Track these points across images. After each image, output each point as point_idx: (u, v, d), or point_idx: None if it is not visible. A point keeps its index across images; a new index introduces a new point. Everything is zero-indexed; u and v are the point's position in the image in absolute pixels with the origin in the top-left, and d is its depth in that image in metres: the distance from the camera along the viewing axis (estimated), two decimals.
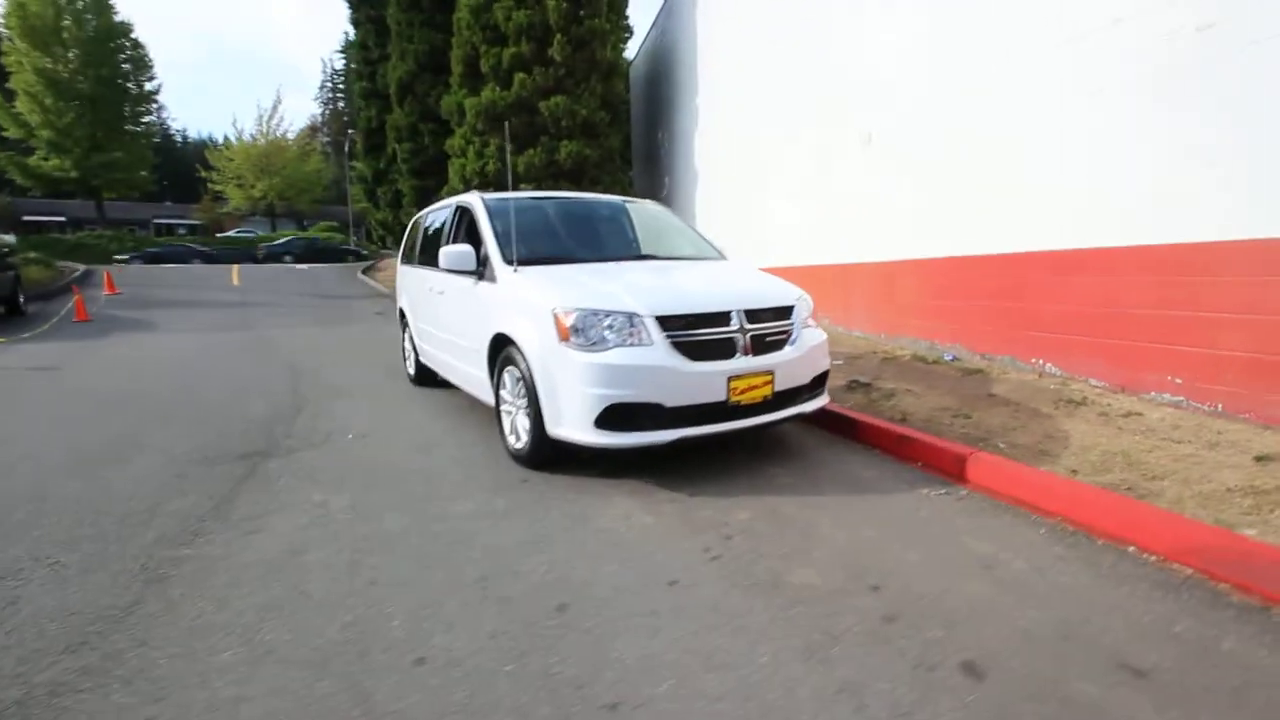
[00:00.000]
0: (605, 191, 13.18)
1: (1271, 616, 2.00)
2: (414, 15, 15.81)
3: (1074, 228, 4.53)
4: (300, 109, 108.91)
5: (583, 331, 3.16)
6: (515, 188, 12.91)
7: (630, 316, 3.17)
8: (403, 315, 6.28)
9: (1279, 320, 3.38)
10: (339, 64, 59.43)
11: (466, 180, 13.12)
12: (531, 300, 3.44)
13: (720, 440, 3.47)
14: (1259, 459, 3.06)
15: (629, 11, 13.40)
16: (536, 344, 3.31)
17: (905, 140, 6.28)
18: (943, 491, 3.10)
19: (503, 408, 3.80)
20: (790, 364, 3.43)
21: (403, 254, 6.42)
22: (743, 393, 3.25)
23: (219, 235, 36.51)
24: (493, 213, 4.23)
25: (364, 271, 21.33)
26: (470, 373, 4.32)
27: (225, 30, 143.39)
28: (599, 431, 3.11)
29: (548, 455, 3.44)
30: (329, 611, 2.16)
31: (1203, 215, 3.72)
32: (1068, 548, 2.50)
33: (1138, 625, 1.98)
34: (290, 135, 37.18)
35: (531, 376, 3.33)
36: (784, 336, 3.51)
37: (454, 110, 13.71)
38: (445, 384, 5.95)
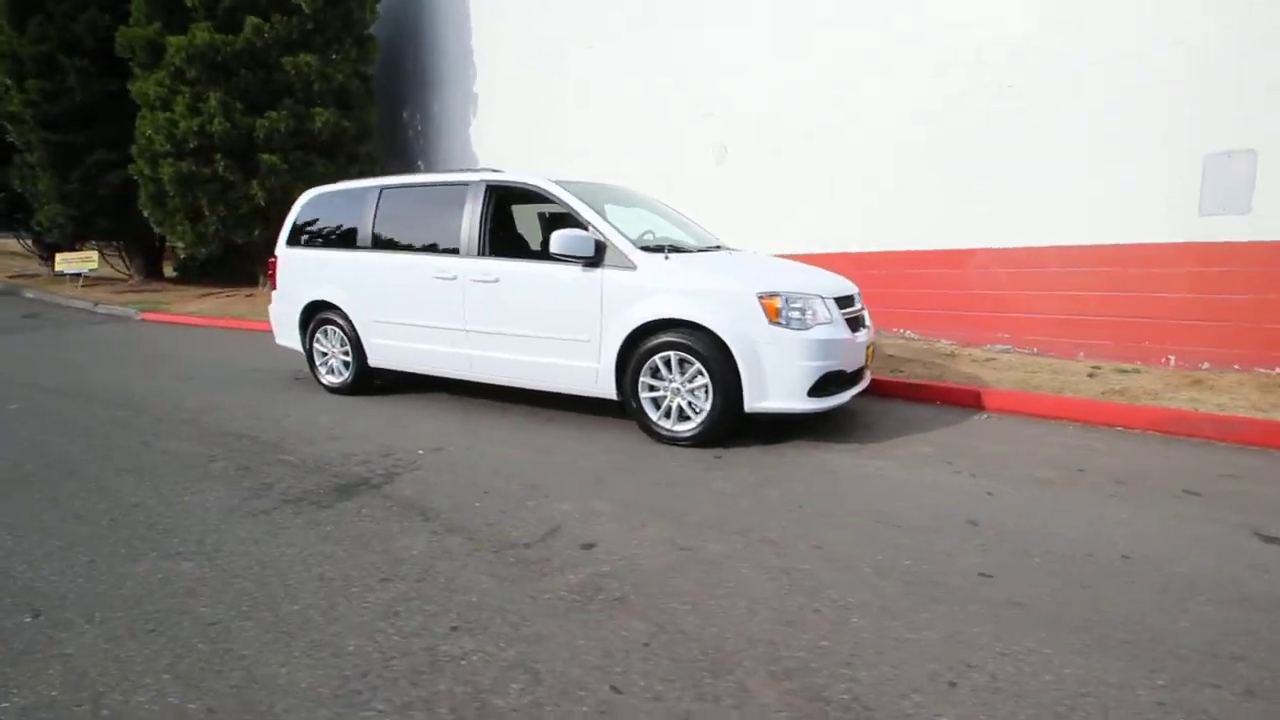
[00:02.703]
0: (362, 171, 11.86)
1: (1216, 445, 3.80)
2: None
3: (927, 235, 6.47)
4: None
5: (787, 313, 3.57)
6: (254, 157, 10.63)
7: (812, 298, 3.70)
8: (315, 311, 5.16)
9: (1069, 294, 5.68)
10: None
11: (178, 141, 10.22)
12: (718, 286, 3.67)
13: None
14: (1089, 375, 5.21)
15: None
16: (736, 326, 3.57)
17: (755, 157, 7.68)
18: (984, 417, 4.46)
19: (645, 395, 3.85)
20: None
21: (310, 239, 5.23)
22: (868, 358, 4.08)
23: None
24: (588, 200, 4.10)
25: None
26: (553, 364, 4.14)
27: None
28: (810, 399, 3.59)
29: (727, 430, 3.71)
30: (868, 569, 2.34)
31: (1030, 229, 5.89)
32: (1100, 434, 4.05)
33: (1190, 458, 3.55)
34: None
35: (731, 356, 3.57)
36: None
37: (141, 47, 10.44)
38: (383, 390, 5.14)
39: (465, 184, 4.48)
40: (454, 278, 4.39)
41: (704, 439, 3.71)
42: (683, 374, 3.75)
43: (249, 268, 13.68)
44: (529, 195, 4.25)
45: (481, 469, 3.45)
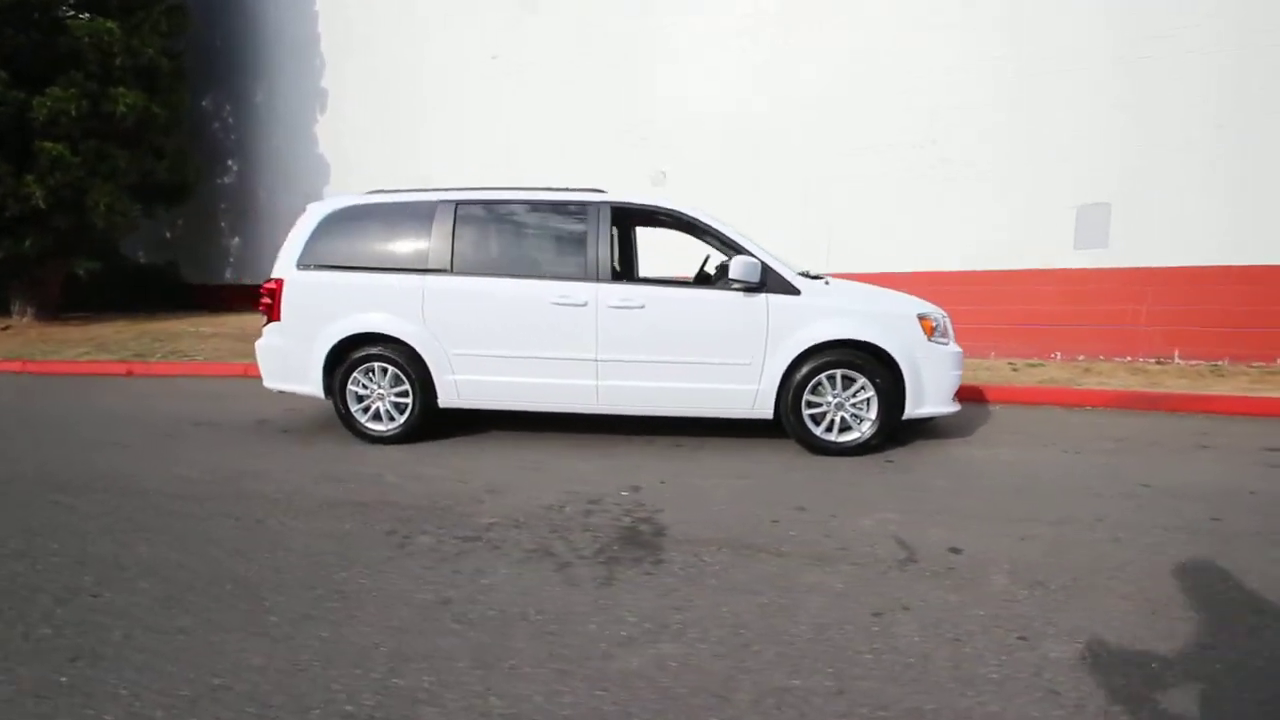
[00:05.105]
0: (173, 166, 9.81)
1: (1161, 414, 5.30)
2: None
3: (869, 259, 7.61)
4: None
5: (937, 331, 4.13)
6: (30, 145, 8.01)
7: (943, 317, 4.32)
8: (353, 346, 4.34)
9: (981, 308, 7.21)
10: None
11: None
12: (885, 309, 4.11)
13: None
14: (1013, 369, 6.70)
15: None
16: (904, 344, 4.02)
17: (696, 186, 8.22)
18: (1000, 407, 5.53)
19: (808, 412, 4.09)
20: None
21: (339, 262, 4.34)
22: None
23: None
24: (725, 224, 4.19)
25: None
26: (707, 389, 4.18)
27: None
28: (954, 403, 4.20)
29: (885, 437, 4.14)
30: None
31: (947, 255, 7.30)
32: (1083, 413, 5.32)
33: (1165, 423, 4.91)
34: None
35: (896, 369, 4.01)
36: None
37: None
38: (422, 435, 4.46)
39: (584, 204, 4.20)
40: (584, 304, 4.09)
41: (868, 446, 4.08)
42: (845, 390, 4.08)
43: None
44: (659, 219, 4.18)
45: (718, 500, 3.39)
